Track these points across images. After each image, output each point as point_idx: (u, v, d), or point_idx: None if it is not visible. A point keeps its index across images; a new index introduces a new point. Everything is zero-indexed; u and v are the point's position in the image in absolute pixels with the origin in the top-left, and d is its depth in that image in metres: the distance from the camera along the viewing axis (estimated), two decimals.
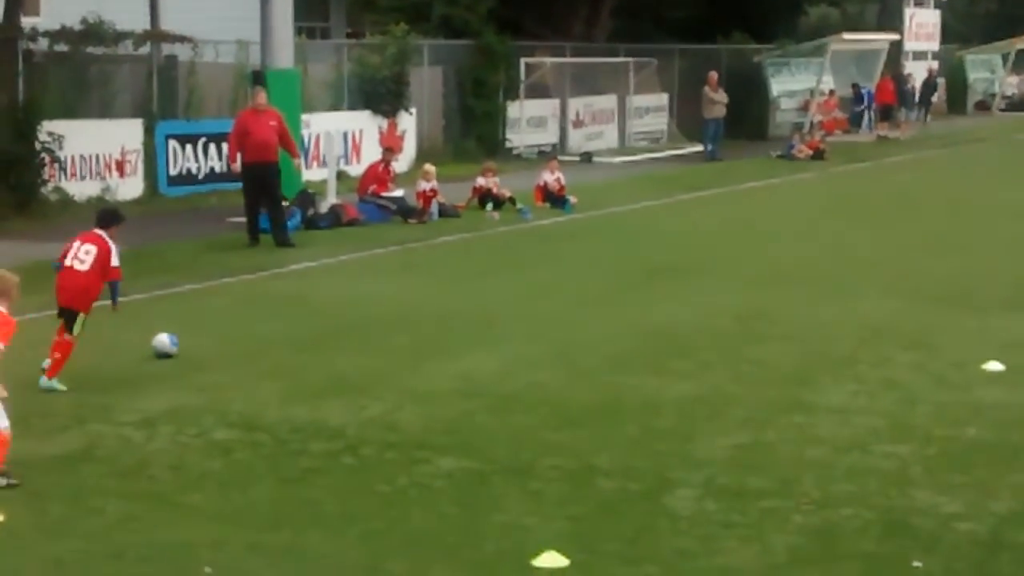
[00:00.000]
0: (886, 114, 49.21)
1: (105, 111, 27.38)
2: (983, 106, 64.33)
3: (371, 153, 30.65)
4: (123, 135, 26.69)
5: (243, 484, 10.07)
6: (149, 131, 27.15)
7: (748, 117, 44.37)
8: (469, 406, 12.22)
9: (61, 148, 24.91)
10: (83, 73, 27.26)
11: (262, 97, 22.31)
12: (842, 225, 25.19)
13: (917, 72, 55.77)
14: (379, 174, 26.03)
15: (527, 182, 28.28)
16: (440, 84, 36.79)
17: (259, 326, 15.79)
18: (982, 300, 17.48)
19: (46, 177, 24.85)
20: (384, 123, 33.19)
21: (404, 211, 25.18)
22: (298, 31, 28.52)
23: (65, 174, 25.31)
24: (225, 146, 23.45)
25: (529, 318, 16.36)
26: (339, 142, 30.21)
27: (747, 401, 12.43)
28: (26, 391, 10.61)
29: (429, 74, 35.94)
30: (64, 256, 13.11)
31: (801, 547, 8.85)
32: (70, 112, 26.20)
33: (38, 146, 24.54)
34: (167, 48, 28.70)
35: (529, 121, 38.17)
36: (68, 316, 12.83)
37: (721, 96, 39.48)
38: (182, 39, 28.33)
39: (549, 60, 39.73)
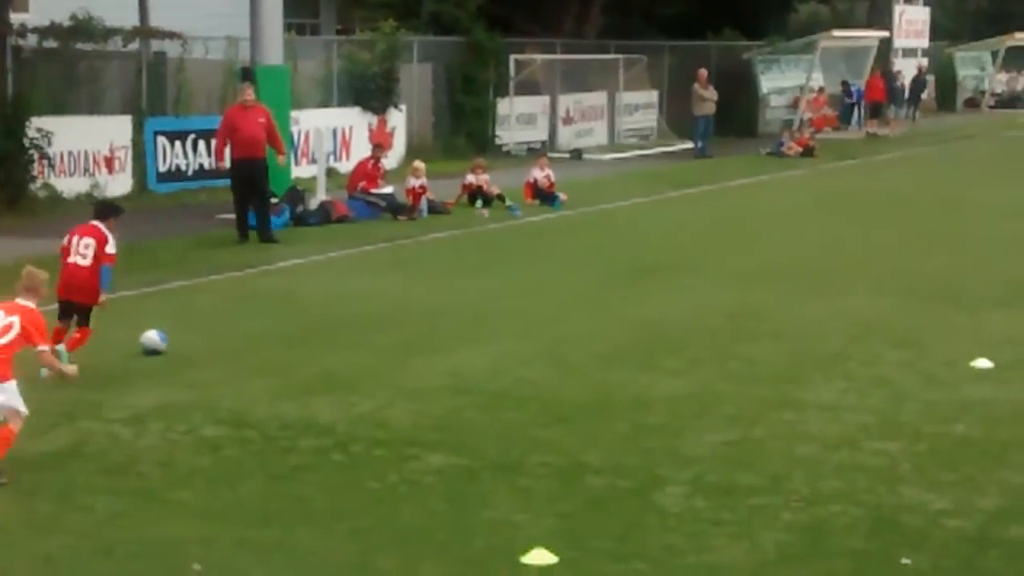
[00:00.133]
0: (876, 111, 49.29)
1: (94, 107, 27.33)
2: (972, 103, 64.47)
3: (361, 150, 30.58)
4: (112, 131, 26.65)
5: (232, 481, 10.06)
6: (138, 127, 27.12)
7: (738, 114, 44.43)
8: (459, 403, 12.21)
9: (50, 144, 24.86)
10: (72, 69, 27.22)
11: (250, 93, 22.28)
12: (832, 222, 25.23)
13: (906, 69, 55.83)
14: (369, 171, 26.03)
15: (517, 179, 28.29)
16: (430, 81, 36.77)
17: (248, 323, 15.78)
18: (972, 298, 17.51)
19: (35, 174, 24.81)
20: (374, 120, 33.16)
21: (394, 208, 25.17)
22: (288, 27, 28.47)
23: (54, 171, 25.27)
24: (214, 143, 23.42)
25: (519, 315, 16.36)
26: (328, 139, 30.22)
27: (737, 398, 12.44)
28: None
29: (419, 71, 35.92)
30: (66, 253, 13.40)
31: (790, 544, 8.86)
32: (59, 108, 26.14)
33: (27, 142, 24.48)
34: (156, 44, 28.64)
35: (519, 118, 38.17)
36: (80, 311, 13.33)
37: (711, 93, 39.53)
38: (171, 35, 28.29)
39: (539, 57, 39.72)
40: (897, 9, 56.40)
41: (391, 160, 30.96)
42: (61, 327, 13.31)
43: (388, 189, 25.78)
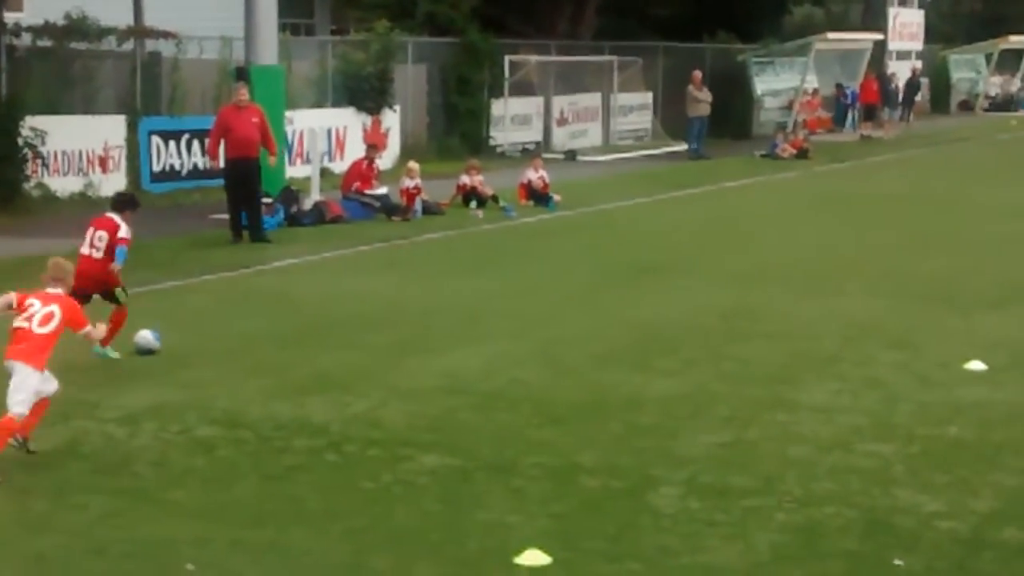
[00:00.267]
0: (870, 114, 49.34)
1: (88, 107, 27.32)
2: (966, 106, 64.55)
3: (355, 150, 30.62)
4: (106, 131, 26.64)
5: (226, 481, 10.06)
6: (132, 127, 27.11)
7: (732, 116, 44.46)
8: (453, 403, 12.21)
9: (44, 144, 24.87)
10: (66, 69, 27.21)
11: (244, 93, 22.27)
12: (826, 224, 25.26)
13: (901, 72, 55.89)
14: (363, 171, 26.03)
15: (511, 180, 28.29)
16: (424, 81, 36.78)
17: (242, 323, 15.77)
18: (966, 299, 17.52)
19: (29, 173, 24.80)
20: (368, 120, 33.18)
21: (388, 208, 25.17)
22: (282, 28, 28.49)
23: (48, 170, 25.26)
24: (208, 142, 23.41)
25: (513, 316, 16.36)
26: (323, 139, 30.18)
27: (731, 399, 12.44)
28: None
29: (413, 71, 35.93)
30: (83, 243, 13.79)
31: (784, 545, 8.86)
32: (53, 108, 26.14)
33: (21, 142, 24.48)
34: (151, 44, 28.62)
35: (513, 119, 38.18)
36: (102, 296, 13.58)
37: (705, 95, 39.56)
38: (166, 35, 28.28)
39: (533, 58, 39.73)
40: (891, 12, 56.46)
41: (385, 161, 31.00)
42: (116, 312, 13.74)
43: (382, 190, 25.79)
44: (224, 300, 17.28)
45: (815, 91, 49.17)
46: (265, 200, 22.74)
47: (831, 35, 48.73)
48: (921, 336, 15.30)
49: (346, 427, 11.41)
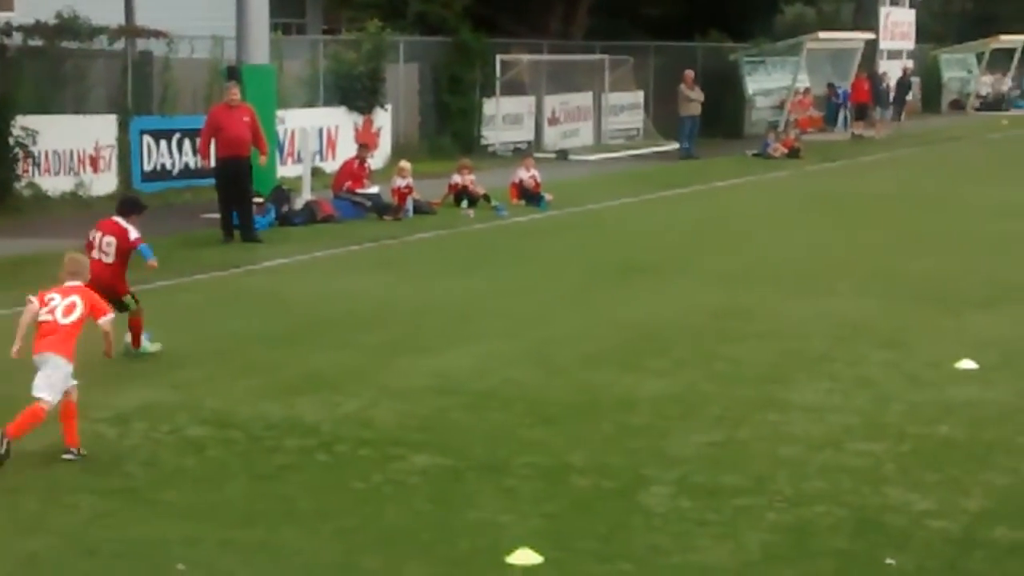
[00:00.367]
0: (861, 113, 49.35)
1: (79, 106, 27.29)
2: (957, 105, 64.61)
3: (346, 150, 30.61)
4: (97, 130, 26.61)
5: (216, 481, 10.05)
6: (123, 127, 27.08)
7: (724, 115, 44.48)
8: (444, 403, 12.21)
9: (35, 143, 24.84)
10: (57, 68, 27.18)
11: (236, 92, 22.26)
12: (817, 223, 25.27)
13: (892, 71, 55.92)
14: (354, 171, 26.03)
15: (503, 179, 28.29)
16: (416, 81, 36.78)
17: (233, 323, 15.76)
18: (957, 299, 17.54)
19: (20, 172, 24.77)
20: (359, 120, 33.17)
21: (379, 208, 25.16)
22: (274, 27, 28.45)
23: (39, 169, 25.23)
24: (199, 141, 23.39)
25: (504, 315, 16.36)
26: (314, 138, 30.20)
27: (722, 399, 12.45)
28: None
29: (405, 71, 35.92)
30: (90, 248, 13.76)
31: (775, 544, 8.87)
32: (44, 107, 26.11)
33: (12, 141, 24.45)
34: (142, 44, 28.61)
35: (505, 118, 38.17)
36: (112, 302, 13.21)
37: (697, 94, 39.57)
38: (157, 35, 28.27)
39: (525, 57, 39.73)
40: (883, 11, 56.46)
41: (377, 160, 30.99)
42: (134, 315, 13.86)
43: (374, 189, 25.78)
44: (215, 300, 17.26)
45: (807, 90, 49.20)
46: (256, 200, 22.73)
47: (822, 34, 48.77)
48: (912, 335, 15.31)
49: (337, 427, 11.40)
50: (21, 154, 24.63)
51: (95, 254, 13.66)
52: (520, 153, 34.46)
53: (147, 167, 27.46)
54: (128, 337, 13.87)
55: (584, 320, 16.10)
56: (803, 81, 48.39)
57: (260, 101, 23.44)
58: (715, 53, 46.93)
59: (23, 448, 10.55)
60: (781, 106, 46.80)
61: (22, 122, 24.53)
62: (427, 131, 36.64)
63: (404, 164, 26.16)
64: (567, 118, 41.15)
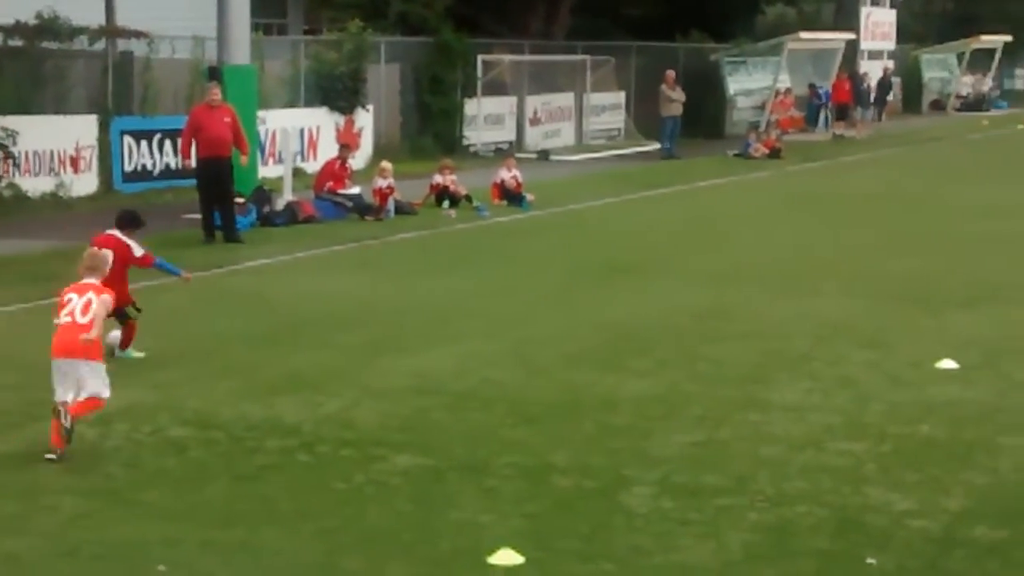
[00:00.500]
0: (842, 113, 49.45)
1: (60, 107, 27.19)
2: (938, 105, 64.77)
3: (328, 150, 30.58)
4: (78, 131, 26.51)
5: (197, 482, 10.03)
6: (104, 127, 27.00)
7: (705, 115, 44.53)
8: (425, 403, 12.20)
9: (15, 144, 24.75)
10: (38, 68, 27.08)
11: (217, 92, 22.22)
12: (798, 223, 25.32)
13: (873, 71, 56.05)
14: (336, 171, 26.00)
15: (484, 180, 28.29)
16: (397, 81, 36.75)
17: (214, 323, 15.73)
18: (938, 299, 17.58)
19: (0, 173, 24.68)
20: (341, 120, 33.13)
21: (360, 208, 25.14)
22: (255, 27, 28.41)
23: (19, 170, 25.13)
24: (180, 142, 23.35)
25: (486, 315, 16.36)
26: (295, 139, 30.12)
27: (703, 399, 12.46)
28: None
29: (386, 71, 35.89)
30: None
31: (756, 544, 8.88)
32: (24, 107, 26.02)
33: None
34: (122, 44, 28.51)
35: (486, 119, 38.17)
36: (115, 314, 13.14)
37: (678, 94, 39.60)
38: (138, 35, 28.18)
39: (507, 58, 39.73)
40: (864, 11, 56.60)
41: (358, 160, 30.97)
42: (130, 323, 13.78)
43: (355, 189, 25.76)
44: (197, 300, 17.22)
45: (788, 90, 49.28)
46: (237, 200, 22.69)
47: (803, 35, 48.83)
48: (893, 335, 15.34)
49: (318, 427, 11.39)
50: (1, 155, 24.54)
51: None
52: (502, 153, 34.48)
53: (128, 168, 27.38)
54: (117, 339, 13.81)
55: (566, 320, 16.11)
56: (784, 81, 48.46)
57: (241, 101, 23.41)
58: (696, 53, 46.99)
59: (1, 450, 10.55)
60: (762, 106, 46.87)
61: (2, 122, 24.44)
62: (408, 131, 36.61)
63: (385, 164, 26.14)
64: (548, 118, 41.15)
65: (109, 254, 11.87)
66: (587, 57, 42.55)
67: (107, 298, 10.91)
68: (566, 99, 42.07)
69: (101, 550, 8.64)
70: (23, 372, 12.65)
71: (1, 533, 8.94)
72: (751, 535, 9.03)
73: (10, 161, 24.78)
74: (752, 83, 47.58)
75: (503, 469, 10.32)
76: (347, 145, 28.21)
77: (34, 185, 25.36)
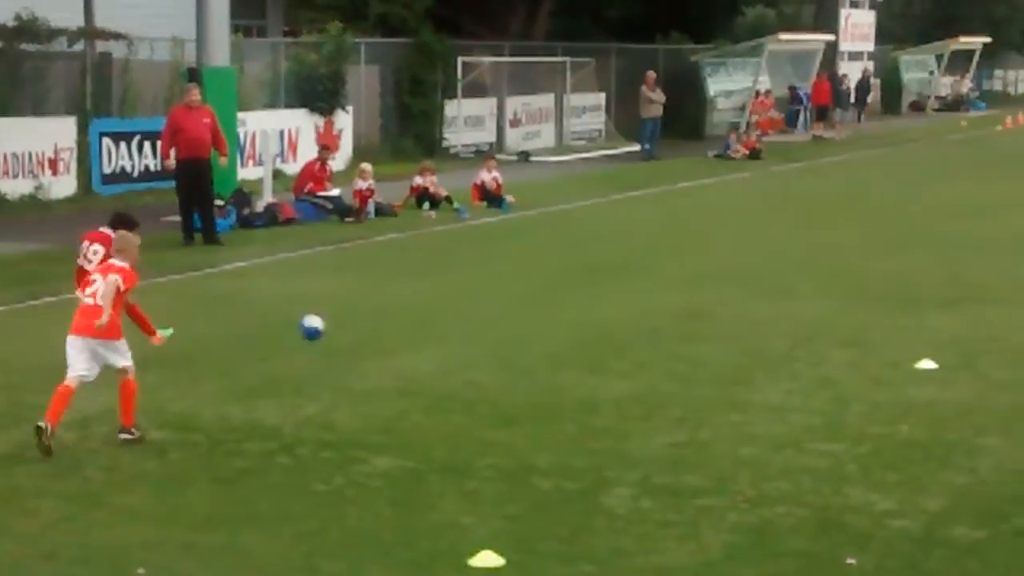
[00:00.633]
0: (822, 114, 49.56)
1: (38, 108, 27.14)
2: (917, 106, 64.97)
3: (307, 152, 30.54)
4: (56, 133, 26.45)
5: (178, 485, 10.01)
6: (83, 129, 26.94)
7: (685, 117, 44.62)
8: (406, 405, 12.19)
9: None
10: (16, 70, 27.02)
11: (196, 94, 22.19)
12: (778, 224, 25.35)
13: (852, 73, 56.20)
14: (315, 173, 25.97)
15: (464, 181, 28.29)
16: (377, 83, 36.74)
17: (195, 325, 15.68)
18: (917, 299, 17.62)
19: None
20: (321, 121, 33.10)
21: (341, 210, 25.12)
22: (234, 29, 28.37)
23: None
24: (159, 144, 23.30)
25: (466, 317, 16.36)
26: (275, 140, 30.12)
27: (683, 400, 12.47)
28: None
29: (366, 72, 35.87)
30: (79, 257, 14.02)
31: (736, 545, 8.89)
32: (2, 109, 25.99)
33: None
34: (101, 45, 28.48)
35: (466, 120, 38.18)
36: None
37: (658, 96, 39.64)
38: (117, 36, 28.14)
39: (487, 59, 39.74)
40: (843, 13, 56.77)
41: (338, 162, 30.95)
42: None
43: (335, 191, 25.74)
44: (176, 303, 17.17)
45: (768, 92, 49.37)
46: (217, 202, 22.66)
47: (783, 36, 48.93)
48: (872, 335, 15.37)
49: (298, 430, 11.37)
50: None
51: (80, 261, 13.80)
52: (482, 155, 34.47)
53: (107, 169, 27.33)
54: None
55: (546, 322, 16.10)
56: (764, 82, 48.56)
57: (221, 103, 23.37)
58: (676, 55, 47.05)
59: None
60: (742, 107, 46.95)
61: None
62: (388, 133, 36.61)
63: (365, 166, 26.12)
64: (529, 120, 41.19)
65: (138, 239, 11.94)
66: (567, 59, 42.57)
67: (114, 277, 11.00)
68: (546, 100, 42.10)
69: (81, 553, 8.62)
70: (5, 374, 12.60)
71: None
72: (731, 536, 9.04)
73: None
74: (732, 84, 47.66)
75: (483, 471, 10.32)
76: (327, 147, 28.18)
77: (13, 187, 25.30)
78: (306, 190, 25.60)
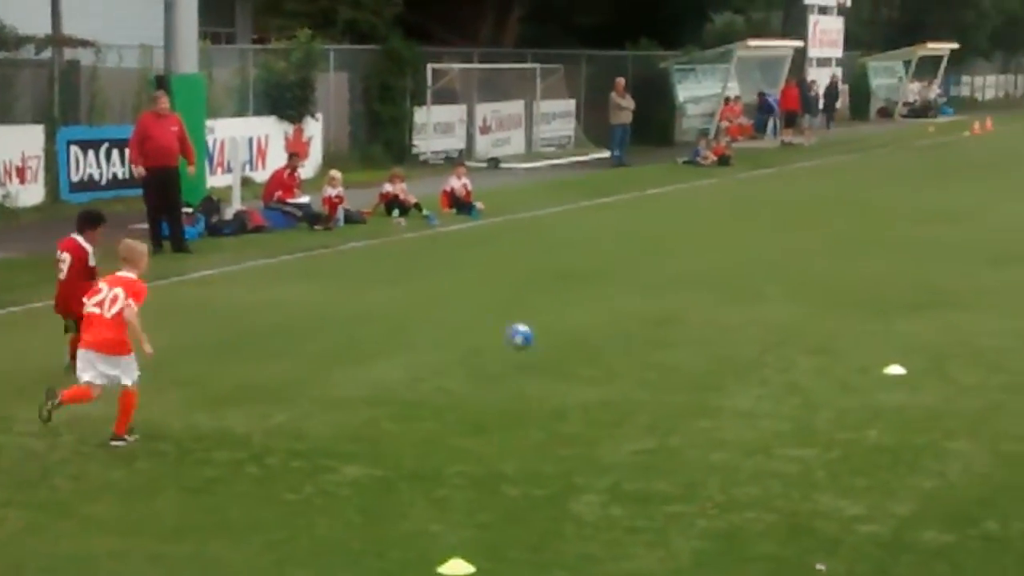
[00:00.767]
0: (790, 120, 49.68)
1: (5, 116, 26.98)
2: (885, 112, 65.19)
3: (277, 159, 30.47)
4: (24, 141, 26.30)
5: (146, 494, 9.97)
6: (50, 136, 26.80)
7: (654, 123, 44.65)
8: (375, 413, 12.17)
9: None
10: None
11: (164, 101, 22.10)
12: (748, 230, 25.41)
13: (821, 79, 56.37)
14: (285, 180, 25.93)
15: (434, 188, 28.27)
16: (346, 89, 36.68)
17: (163, 334, 15.53)
18: (885, 304, 17.68)
19: None
20: (290, 129, 33.04)
21: (310, 218, 25.07)
22: (203, 36, 28.30)
23: None
24: (128, 151, 23.19)
25: (436, 324, 16.34)
26: (244, 148, 30.02)
27: (653, 406, 12.49)
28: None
29: (335, 79, 35.82)
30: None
31: (705, 551, 8.90)
32: None
33: None
34: (69, 53, 28.35)
35: (436, 127, 38.14)
36: (73, 322, 13.15)
37: (628, 102, 39.67)
38: (84, 43, 28.01)
39: (456, 66, 39.72)
40: (811, 19, 56.94)
41: (307, 169, 30.89)
42: (75, 337, 13.01)
43: (304, 199, 25.70)
44: (145, 311, 17.01)
45: (737, 98, 49.49)
46: (185, 210, 22.58)
47: (752, 42, 49.06)
48: (841, 341, 15.42)
49: (268, 438, 11.34)
50: None
51: (56, 269, 13.63)
52: (452, 162, 34.45)
53: (75, 177, 27.20)
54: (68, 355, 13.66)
55: None
56: (733, 89, 48.66)
57: (189, 110, 23.31)
58: (646, 61, 47.11)
59: None
60: (712, 114, 47.04)
61: None
62: (358, 140, 36.55)
63: (335, 173, 26.08)
64: (498, 126, 41.19)
65: (144, 246, 11.80)
66: (537, 65, 42.58)
67: (133, 309, 11.13)
68: (516, 107, 42.11)
69: (48, 564, 8.58)
70: None
71: None
72: (701, 542, 9.05)
73: None
74: (701, 91, 47.73)
75: (453, 478, 10.31)
76: (296, 154, 28.14)
77: None
78: (275, 198, 25.55)
